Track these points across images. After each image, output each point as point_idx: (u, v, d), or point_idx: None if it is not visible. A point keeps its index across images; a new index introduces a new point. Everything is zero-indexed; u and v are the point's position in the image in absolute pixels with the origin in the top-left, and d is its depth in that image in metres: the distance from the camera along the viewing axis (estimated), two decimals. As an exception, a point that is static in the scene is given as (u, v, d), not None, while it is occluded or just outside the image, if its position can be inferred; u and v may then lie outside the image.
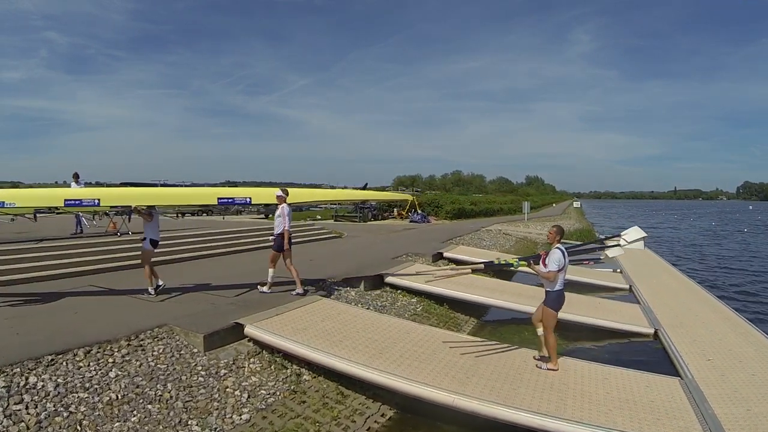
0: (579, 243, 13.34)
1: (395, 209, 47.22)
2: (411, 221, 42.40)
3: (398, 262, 18.28)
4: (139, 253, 12.42)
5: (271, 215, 45.55)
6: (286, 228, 11.85)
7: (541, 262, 8.89)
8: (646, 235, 12.33)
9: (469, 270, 12.65)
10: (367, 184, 23.41)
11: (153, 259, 11.95)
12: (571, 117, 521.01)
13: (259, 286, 12.51)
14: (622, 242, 12.05)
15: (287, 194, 11.92)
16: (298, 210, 49.97)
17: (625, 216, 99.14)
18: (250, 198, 11.99)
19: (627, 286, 18.11)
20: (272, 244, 12.33)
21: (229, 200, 11.64)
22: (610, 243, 13.08)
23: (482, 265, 11.42)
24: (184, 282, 13.21)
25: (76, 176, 18.17)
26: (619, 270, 21.09)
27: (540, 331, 9.08)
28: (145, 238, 11.60)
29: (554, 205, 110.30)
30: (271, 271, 12.30)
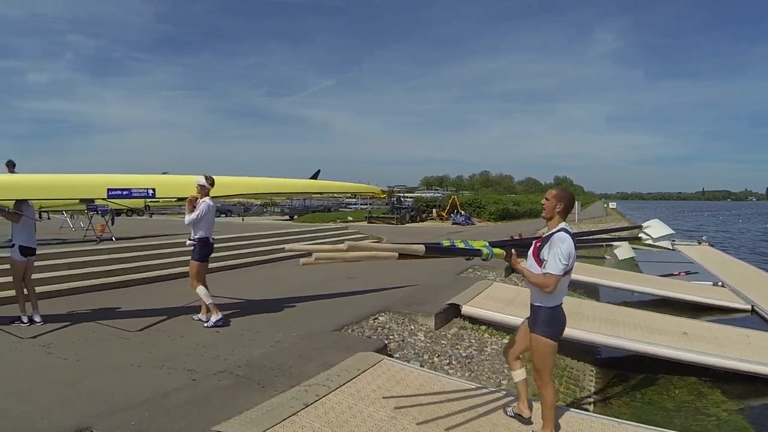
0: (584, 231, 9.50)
1: (434, 210, 42.82)
2: (454, 223, 37.57)
3: (465, 280, 13.59)
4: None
5: (297, 216, 42.72)
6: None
7: (531, 256, 4.90)
8: (672, 231, 8.84)
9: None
10: (319, 171, 19.05)
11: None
12: (595, 117, 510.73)
13: (205, 324, 8.61)
14: (643, 236, 8.23)
15: (212, 184, 8.78)
16: (326, 210, 46.05)
17: (662, 217, 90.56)
18: (155, 189, 8.96)
19: (747, 307, 12.99)
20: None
21: (125, 192, 8.68)
22: (623, 234, 10.10)
23: (422, 247, 5.38)
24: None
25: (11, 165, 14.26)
26: (720, 283, 15.76)
27: (517, 375, 5.38)
28: (13, 245, 8.54)
29: (589, 206, 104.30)
30: (200, 290, 8.71)
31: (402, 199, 44.54)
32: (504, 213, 45.17)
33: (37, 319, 8.53)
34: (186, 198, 8.79)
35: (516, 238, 5.33)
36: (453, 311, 10.28)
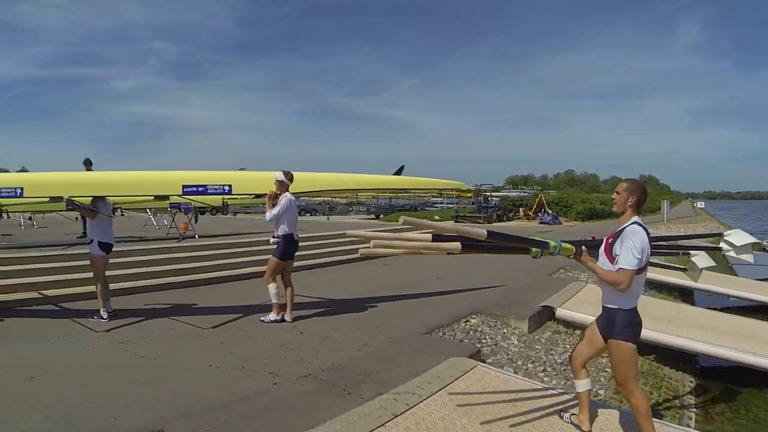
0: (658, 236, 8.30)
1: (521, 209, 41.90)
2: (541, 222, 36.61)
3: (558, 281, 12.99)
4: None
5: (383, 215, 42.59)
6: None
7: (603, 253, 4.51)
8: (756, 240, 7.36)
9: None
10: (403, 167, 18.36)
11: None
12: (680, 113, 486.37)
13: (261, 318, 8.63)
14: (724, 247, 7.00)
15: (291, 179, 8.55)
16: (412, 209, 45.70)
17: (754, 218, 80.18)
18: (230, 185, 8.55)
19: None
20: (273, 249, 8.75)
21: (200, 188, 8.43)
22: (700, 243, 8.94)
23: (484, 231, 4.23)
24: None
25: (87, 163, 14.49)
26: None
27: (582, 384, 4.85)
28: (91, 241, 8.63)
29: (677, 205, 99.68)
30: (272, 287, 8.57)
31: (489, 198, 43.58)
32: (591, 212, 43.61)
33: (104, 315, 8.55)
34: (264, 195, 8.67)
35: (589, 239, 5.06)
36: (546, 314, 9.75)
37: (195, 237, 15.65)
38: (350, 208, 47.78)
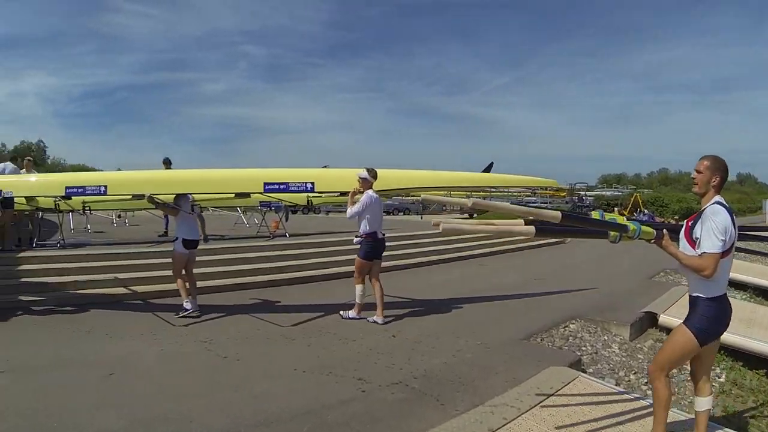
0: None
1: (615, 208, 40.53)
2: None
3: (659, 285, 12.27)
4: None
5: (477, 215, 41.94)
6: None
7: (683, 237, 4.10)
8: None
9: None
10: (492, 164, 17.67)
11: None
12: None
13: (341, 312, 8.74)
14: None
15: (375, 177, 8.36)
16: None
17: None
18: (313, 183, 8.50)
19: None
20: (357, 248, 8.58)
21: (281, 186, 8.50)
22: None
23: (558, 214, 4.08)
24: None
25: (167, 162, 14.80)
26: None
27: (701, 403, 4.28)
28: (176, 238, 8.81)
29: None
30: (359, 288, 8.54)
31: (584, 197, 42.40)
32: (687, 212, 41.11)
33: (188, 306, 8.65)
34: (347, 192, 8.49)
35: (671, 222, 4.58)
36: (648, 320, 9.22)
37: (286, 236, 15.69)
38: (443, 207, 47.40)
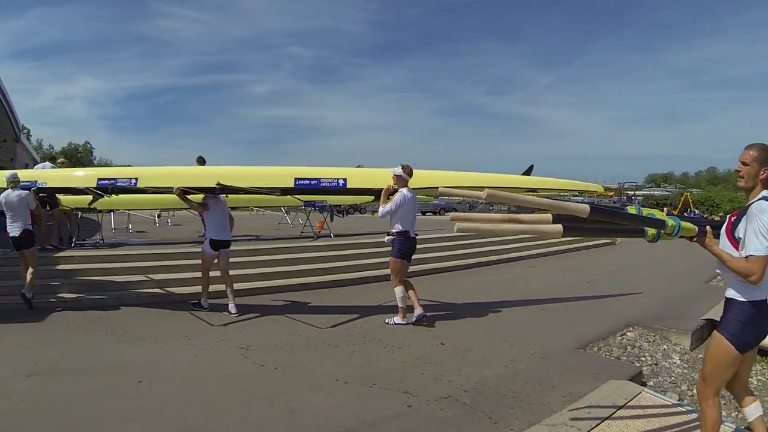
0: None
1: (665, 208, 39.26)
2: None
3: (717, 290, 11.54)
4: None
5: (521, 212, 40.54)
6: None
7: (724, 234, 3.67)
8: None
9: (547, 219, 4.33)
10: (532, 166, 17.24)
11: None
12: None
13: (386, 320, 8.29)
14: None
15: (410, 174, 8.16)
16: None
17: None
18: (345, 179, 8.44)
19: None
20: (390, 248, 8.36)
21: (312, 182, 8.40)
22: None
23: (587, 207, 3.58)
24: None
25: (201, 161, 14.48)
26: None
27: (750, 412, 3.85)
28: (205, 238, 8.92)
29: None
30: (398, 290, 8.21)
31: (632, 197, 41.18)
32: (740, 212, 39.61)
33: (233, 310, 8.60)
34: (380, 190, 8.26)
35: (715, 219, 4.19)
36: (709, 328, 8.68)
37: (330, 236, 15.43)
38: (491, 207, 46.54)
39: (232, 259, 9.47)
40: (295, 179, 8.33)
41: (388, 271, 8.36)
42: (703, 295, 10.77)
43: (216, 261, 8.91)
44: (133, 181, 8.24)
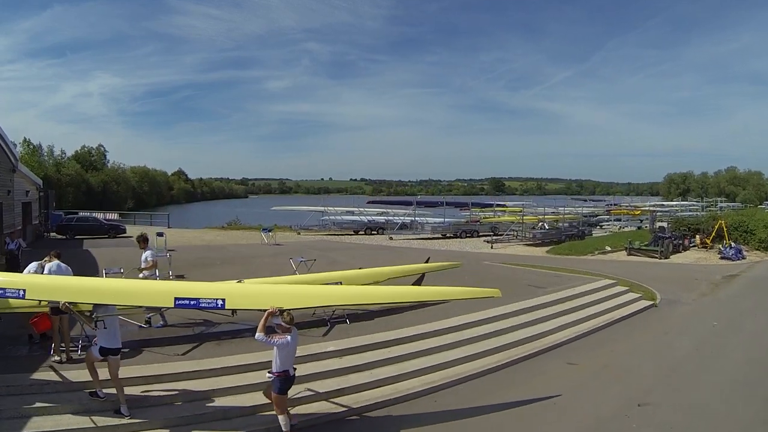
0: None
1: (697, 236, 36.88)
2: (722, 257, 31.37)
3: None
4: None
5: (552, 247, 37.17)
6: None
7: None
8: None
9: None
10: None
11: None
12: None
13: None
14: None
15: (292, 322, 8.51)
16: (579, 237, 41.63)
17: None
18: (224, 300, 8.17)
19: None
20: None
21: (192, 302, 8.12)
22: None
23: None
24: None
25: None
26: None
27: None
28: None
29: None
30: (281, 419, 8.49)
31: (665, 228, 38.39)
32: (776, 241, 36.02)
33: (125, 412, 8.64)
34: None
35: None
36: None
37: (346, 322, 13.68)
38: (511, 231, 43.96)
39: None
40: (175, 299, 8.07)
41: None
42: None
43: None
44: (22, 292, 7.87)
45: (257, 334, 8.11)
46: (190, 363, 10.59)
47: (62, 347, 10.25)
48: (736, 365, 12.08)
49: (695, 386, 11.09)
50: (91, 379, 8.97)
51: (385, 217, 51.16)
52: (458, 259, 25.23)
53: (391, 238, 42.81)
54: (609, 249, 34.87)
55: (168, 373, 10.07)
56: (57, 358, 10.16)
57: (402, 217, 50.10)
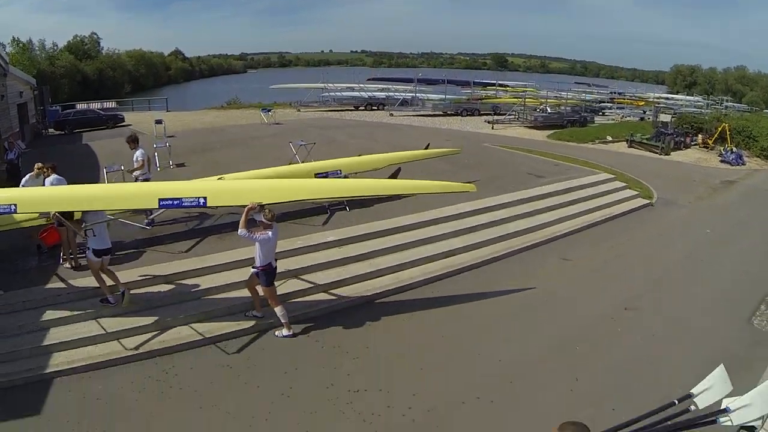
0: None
1: (699, 135, 36.32)
2: (722, 161, 31.07)
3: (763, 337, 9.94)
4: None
5: (553, 131, 36.56)
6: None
7: None
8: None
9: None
10: (399, 169, 15.81)
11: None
12: None
13: (276, 333, 9.23)
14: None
15: (273, 219, 8.72)
16: (581, 121, 40.92)
17: None
18: (206, 198, 8.35)
19: None
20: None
21: (175, 202, 8.40)
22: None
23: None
24: None
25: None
26: None
27: None
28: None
29: None
30: (278, 310, 9.05)
31: (667, 123, 37.46)
32: (778, 149, 34.82)
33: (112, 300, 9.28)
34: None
35: None
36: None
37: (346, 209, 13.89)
38: (511, 113, 42.99)
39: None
40: (159, 200, 8.35)
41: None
42: (746, 350, 9.18)
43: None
44: (12, 207, 7.95)
45: (239, 230, 8.40)
46: (193, 260, 10.84)
47: (71, 254, 10.42)
48: (723, 280, 12.30)
49: (681, 297, 11.39)
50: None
51: (386, 93, 50.21)
52: (458, 139, 25.04)
53: (391, 115, 42.14)
54: (610, 139, 34.55)
55: (173, 273, 10.33)
56: (67, 265, 10.40)
57: (403, 93, 49.12)
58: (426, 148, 17.25)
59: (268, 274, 8.81)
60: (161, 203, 8.43)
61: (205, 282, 10.19)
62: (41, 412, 7.25)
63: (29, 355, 8.20)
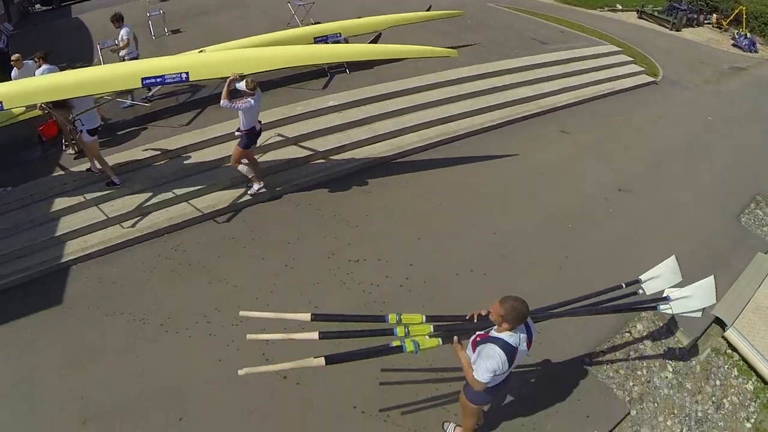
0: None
1: (714, 14, 34.77)
2: (734, 45, 29.67)
3: (747, 235, 9.91)
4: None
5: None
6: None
7: (470, 345, 4.62)
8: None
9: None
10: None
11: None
12: None
13: (249, 192, 9.65)
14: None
15: (254, 89, 8.61)
16: None
17: None
18: (188, 73, 8.28)
19: None
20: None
21: (158, 79, 8.31)
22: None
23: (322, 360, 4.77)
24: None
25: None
26: None
27: None
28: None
29: None
30: (241, 167, 9.40)
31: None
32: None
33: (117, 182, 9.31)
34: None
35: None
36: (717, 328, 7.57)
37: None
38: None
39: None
40: (142, 79, 8.22)
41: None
42: (730, 252, 9.27)
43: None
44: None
45: (222, 101, 8.43)
46: (194, 134, 10.73)
47: (72, 141, 10.21)
48: (718, 173, 12.15)
49: (675, 183, 11.39)
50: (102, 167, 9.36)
51: None
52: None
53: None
54: (620, 7, 33.08)
55: (175, 148, 10.30)
56: (71, 151, 10.25)
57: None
58: (428, 10, 16.49)
59: (250, 137, 8.99)
60: (144, 82, 8.35)
61: (206, 155, 10.25)
62: (62, 302, 7.53)
63: (43, 247, 8.41)
